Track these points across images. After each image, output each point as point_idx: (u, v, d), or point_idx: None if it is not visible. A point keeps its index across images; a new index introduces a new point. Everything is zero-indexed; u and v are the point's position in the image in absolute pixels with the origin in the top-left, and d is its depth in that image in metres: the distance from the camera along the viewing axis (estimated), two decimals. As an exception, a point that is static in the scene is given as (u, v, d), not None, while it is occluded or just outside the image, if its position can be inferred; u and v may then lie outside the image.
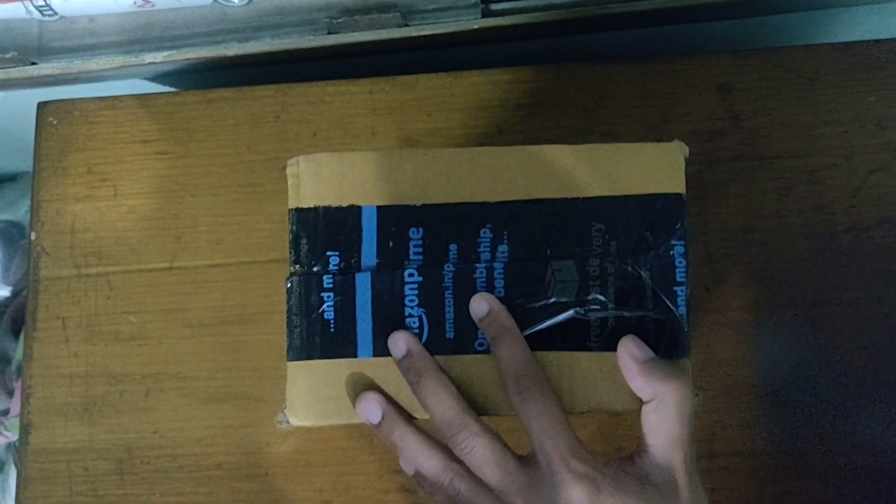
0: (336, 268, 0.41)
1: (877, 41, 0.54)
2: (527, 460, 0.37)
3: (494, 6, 0.51)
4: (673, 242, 0.41)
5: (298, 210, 0.41)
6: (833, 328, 0.52)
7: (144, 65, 0.52)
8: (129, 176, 0.57)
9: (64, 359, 0.55)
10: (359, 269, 0.41)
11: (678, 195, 0.41)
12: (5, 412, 0.89)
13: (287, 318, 0.41)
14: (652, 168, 0.41)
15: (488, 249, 0.41)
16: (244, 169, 0.56)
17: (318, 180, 0.41)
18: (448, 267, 0.40)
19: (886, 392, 0.51)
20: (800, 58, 0.55)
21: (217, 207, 0.56)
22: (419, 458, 0.38)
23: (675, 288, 0.40)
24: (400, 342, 0.39)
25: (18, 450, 0.54)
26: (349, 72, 0.57)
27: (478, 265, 0.40)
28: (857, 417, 0.50)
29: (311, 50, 0.52)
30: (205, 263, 0.56)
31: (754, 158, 0.54)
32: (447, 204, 0.41)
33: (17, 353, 0.88)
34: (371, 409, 0.38)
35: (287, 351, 0.41)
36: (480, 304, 0.39)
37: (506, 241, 0.41)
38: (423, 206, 0.41)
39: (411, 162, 0.41)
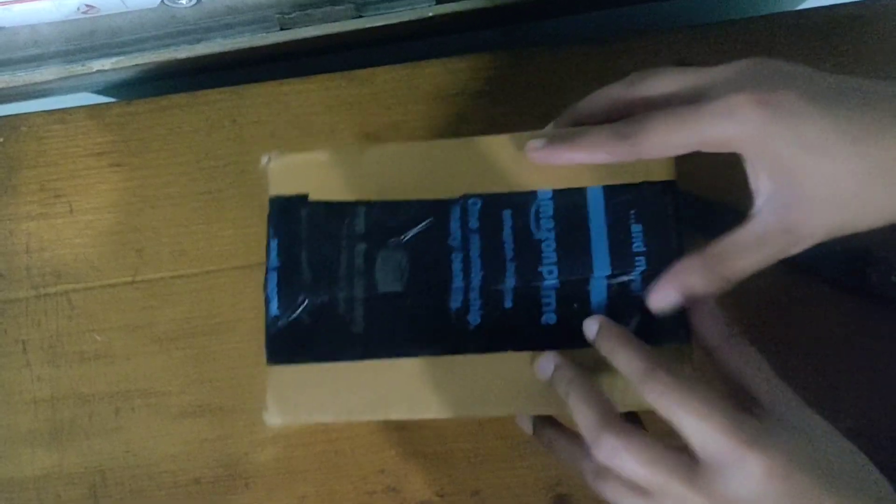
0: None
1: (829, 6, 0.54)
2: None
3: (449, -7, 0.50)
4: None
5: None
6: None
7: (92, 73, 0.50)
8: (85, 191, 0.56)
9: (27, 384, 0.53)
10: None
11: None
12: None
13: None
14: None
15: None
16: (203, 176, 0.55)
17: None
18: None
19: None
20: (756, 29, 0.54)
21: (178, 217, 0.55)
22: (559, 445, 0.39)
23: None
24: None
25: (-15, 482, 0.52)
26: (305, 72, 0.56)
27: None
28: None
29: (265, 48, 0.51)
30: (168, 275, 0.54)
31: (718, 133, 0.53)
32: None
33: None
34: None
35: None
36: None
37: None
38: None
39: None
